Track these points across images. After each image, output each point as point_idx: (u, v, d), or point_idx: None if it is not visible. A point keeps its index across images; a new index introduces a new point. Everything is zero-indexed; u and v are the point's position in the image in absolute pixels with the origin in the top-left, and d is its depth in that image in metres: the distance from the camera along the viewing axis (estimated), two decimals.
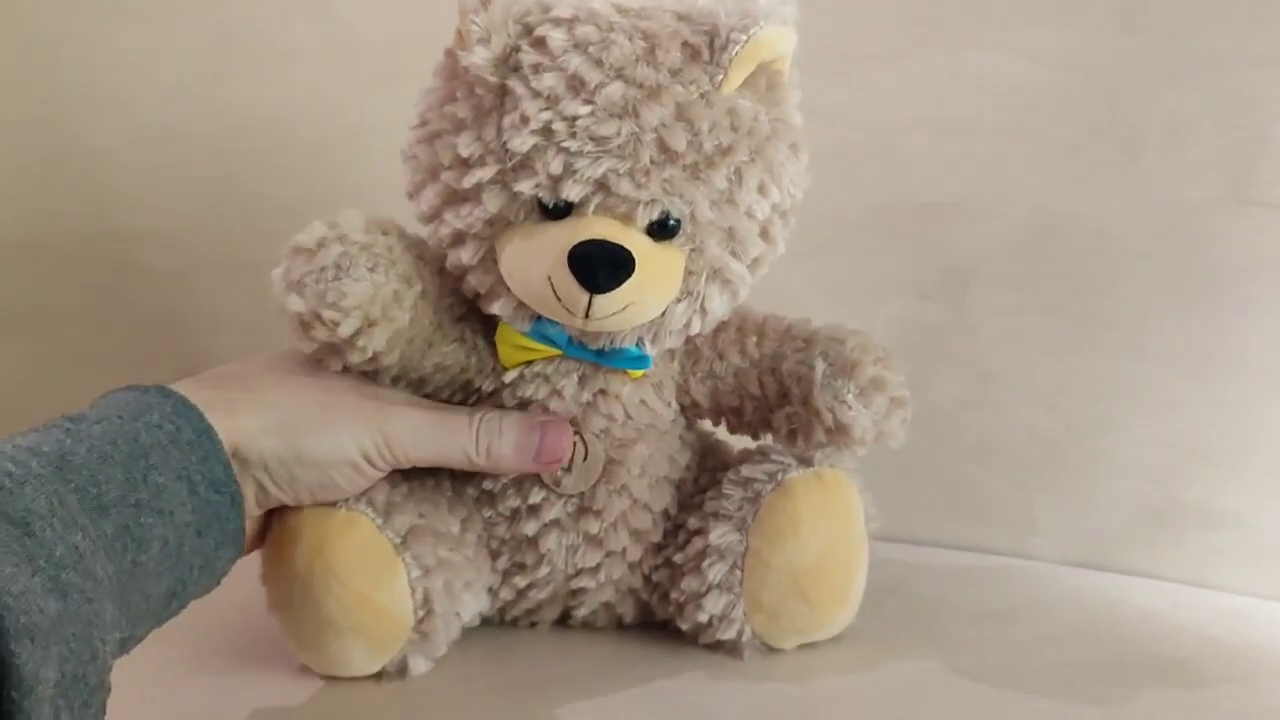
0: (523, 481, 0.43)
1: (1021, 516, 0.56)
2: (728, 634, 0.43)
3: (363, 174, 0.60)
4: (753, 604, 0.43)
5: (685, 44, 0.38)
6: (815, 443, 0.44)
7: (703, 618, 0.43)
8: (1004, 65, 0.52)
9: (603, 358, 0.42)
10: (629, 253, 0.38)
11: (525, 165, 0.38)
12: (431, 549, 0.41)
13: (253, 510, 0.38)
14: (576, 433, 0.43)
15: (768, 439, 0.46)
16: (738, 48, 0.38)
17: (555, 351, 0.42)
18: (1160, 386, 0.52)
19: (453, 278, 0.42)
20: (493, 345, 0.43)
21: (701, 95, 0.38)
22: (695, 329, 0.42)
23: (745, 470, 0.44)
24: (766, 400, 0.45)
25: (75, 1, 0.61)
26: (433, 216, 0.41)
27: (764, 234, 0.41)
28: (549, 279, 0.38)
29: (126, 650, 0.33)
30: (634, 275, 0.38)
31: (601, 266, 0.38)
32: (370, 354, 0.39)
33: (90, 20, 0.61)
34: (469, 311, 0.43)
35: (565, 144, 0.37)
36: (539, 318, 0.41)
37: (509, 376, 0.43)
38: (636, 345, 0.42)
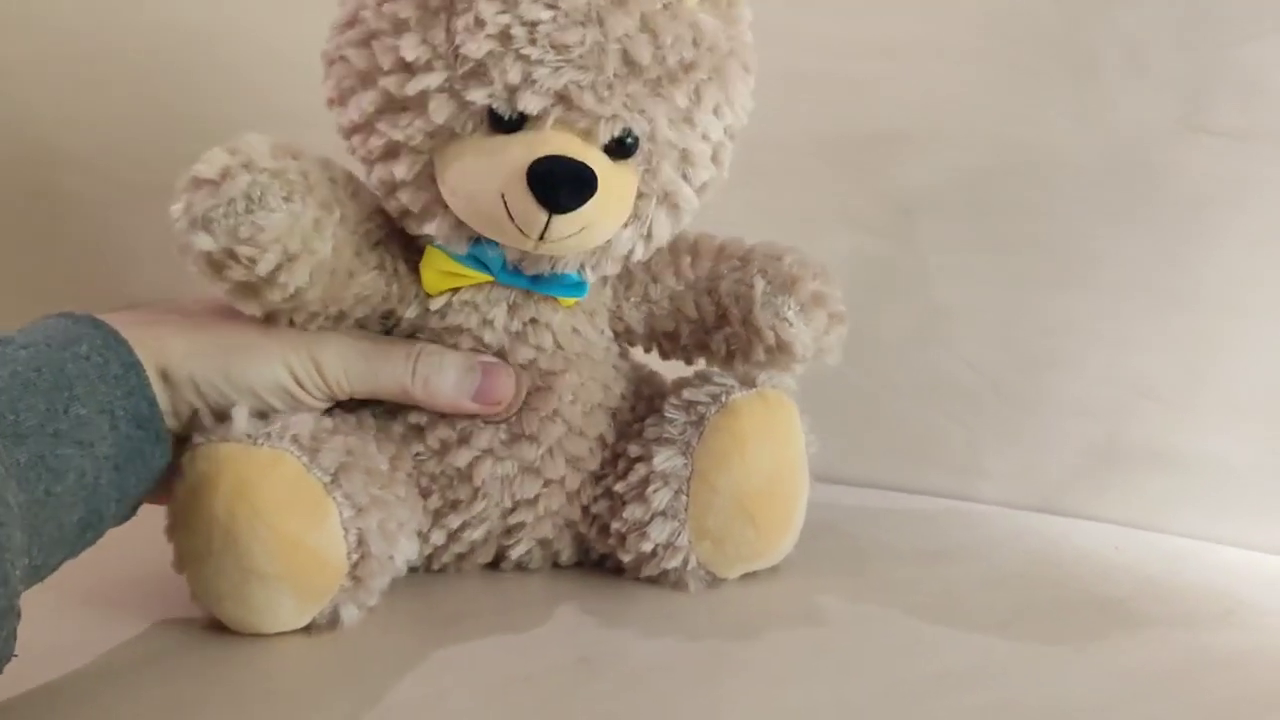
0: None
1: (966, 458, 0.55)
2: (672, 563, 0.42)
3: (286, 97, 0.57)
4: (698, 530, 0.41)
5: None
6: (755, 362, 0.43)
7: (646, 547, 0.42)
8: None
9: (537, 284, 0.40)
10: (592, 171, 0.36)
11: (479, 72, 0.36)
12: (363, 487, 0.38)
13: (183, 430, 0.37)
14: (502, 359, 0.41)
15: (702, 363, 0.45)
16: None
17: (485, 278, 0.40)
18: (1110, 321, 0.51)
19: (368, 200, 0.40)
20: (415, 270, 0.41)
21: (665, 6, 0.37)
22: (638, 255, 0.41)
23: (687, 394, 0.42)
24: (704, 322, 0.44)
25: None
26: (362, 127, 0.38)
27: (714, 157, 0.40)
28: (502, 197, 0.36)
29: (40, 578, 0.32)
30: (596, 195, 0.36)
31: (564, 184, 0.36)
32: (291, 290, 0.36)
33: None
34: (387, 235, 0.40)
35: (524, 51, 0.35)
36: (478, 240, 0.39)
37: (435, 304, 0.41)
38: (577, 272, 0.40)
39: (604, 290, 0.44)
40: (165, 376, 0.36)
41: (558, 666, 0.37)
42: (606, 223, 0.38)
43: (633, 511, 0.42)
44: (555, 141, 0.36)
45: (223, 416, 0.38)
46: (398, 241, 0.41)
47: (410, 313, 0.41)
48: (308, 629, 0.38)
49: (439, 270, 0.40)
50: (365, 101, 0.37)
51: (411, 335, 0.41)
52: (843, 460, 0.55)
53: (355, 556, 0.38)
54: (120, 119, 0.59)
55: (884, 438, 0.56)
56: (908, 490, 0.55)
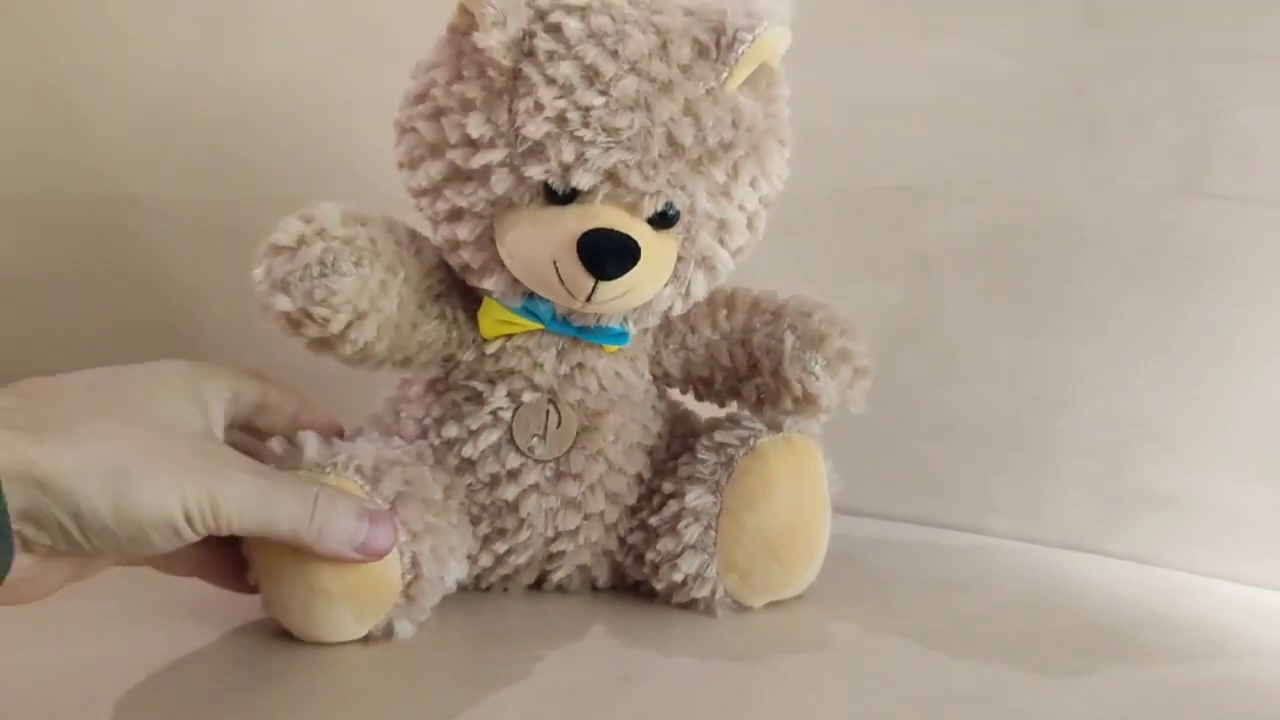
0: (500, 448, 0.44)
1: (978, 493, 0.57)
2: (702, 592, 0.44)
3: (348, 146, 0.62)
4: (726, 563, 0.44)
5: (695, 41, 0.40)
6: (783, 410, 0.46)
7: (678, 577, 0.44)
8: (971, 54, 0.54)
9: (584, 333, 0.44)
10: (636, 243, 0.39)
11: (537, 151, 0.39)
12: (418, 514, 0.42)
13: (25, 561, 0.31)
14: (551, 401, 0.44)
15: (735, 407, 0.48)
16: (744, 47, 0.39)
17: (537, 326, 0.44)
18: (1115, 369, 0.54)
19: (431, 256, 0.43)
20: (473, 318, 0.44)
21: (708, 92, 0.40)
22: (677, 310, 0.44)
23: (719, 436, 0.45)
24: (736, 370, 0.47)
25: None
26: (429, 191, 0.41)
27: (750, 224, 0.43)
28: (554, 263, 0.40)
29: None
30: (639, 264, 0.39)
31: (610, 255, 0.39)
32: (361, 344, 0.41)
33: None
34: (448, 288, 0.44)
35: (579, 133, 0.38)
36: (530, 295, 0.42)
37: (491, 348, 0.44)
38: (620, 324, 0.44)
39: (645, 337, 0.47)
40: (42, 486, 0.30)
41: (600, 681, 0.39)
42: (648, 286, 0.41)
43: (665, 544, 0.44)
44: (604, 215, 0.40)
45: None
46: (458, 292, 0.44)
47: (468, 356, 0.45)
48: (365, 639, 0.42)
49: (495, 318, 0.44)
50: (433, 170, 0.41)
51: (469, 377, 0.45)
52: (862, 494, 0.58)
53: (409, 577, 0.41)
54: (191, 166, 0.64)
55: (901, 473, 0.59)
56: (922, 523, 0.58)
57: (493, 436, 0.44)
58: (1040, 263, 0.55)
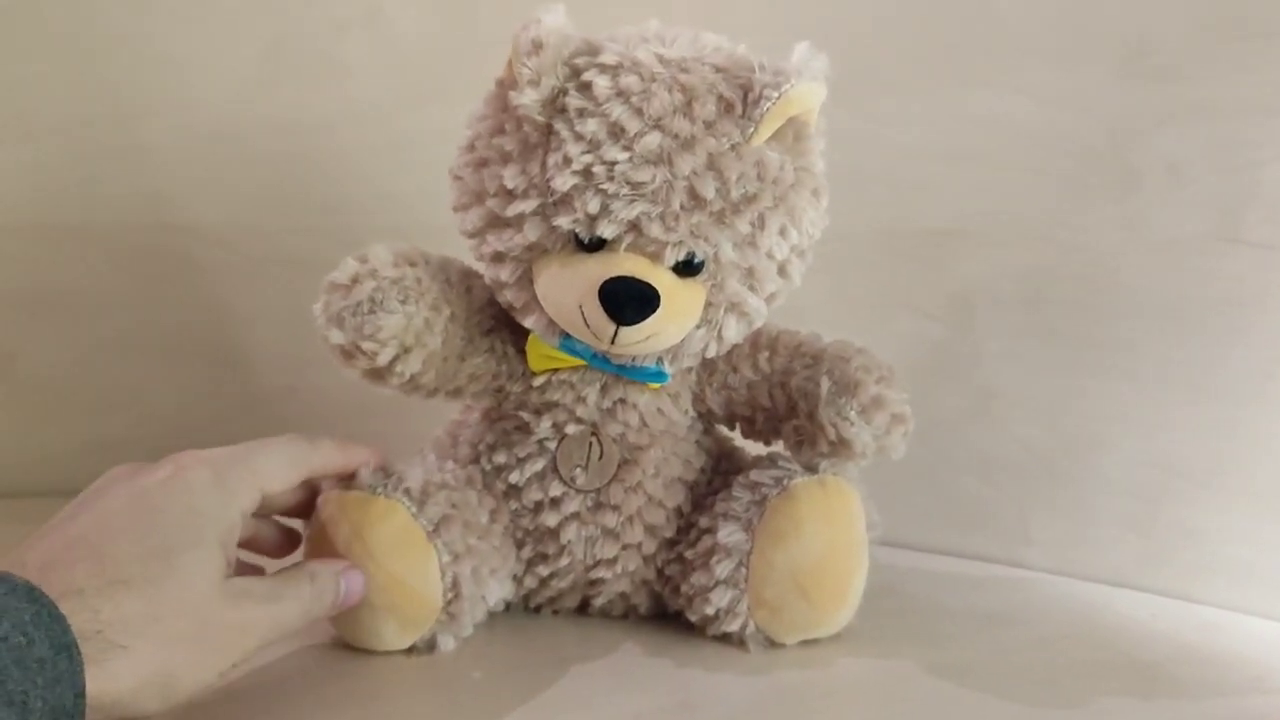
0: (544, 475, 0.46)
1: (1016, 527, 0.59)
2: (732, 627, 0.45)
3: (402, 182, 0.64)
4: (756, 599, 0.45)
5: (720, 98, 0.41)
6: (819, 453, 0.46)
7: (710, 610, 0.45)
8: (1011, 103, 0.56)
9: (623, 371, 0.46)
10: (655, 290, 0.41)
11: (565, 202, 0.41)
12: (461, 537, 0.44)
13: None
14: (594, 434, 0.46)
15: (778, 445, 0.49)
16: (769, 104, 0.40)
17: (580, 362, 0.45)
18: (1150, 409, 0.55)
19: (482, 294, 0.46)
20: (522, 352, 0.46)
21: (732, 147, 0.41)
22: (711, 352, 0.45)
23: (754, 475, 0.46)
24: (776, 411, 0.48)
25: (136, 6, 0.64)
26: (476, 235, 0.44)
27: (781, 271, 0.44)
28: (580, 307, 0.42)
29: None
30: (658, 310, 0.41)
31: (629, 303, 0.41)
32: (408, 377, 0.43)
33: (151, 24, 0.64)
34: (498, 324, 0.47)
35: (603, 186, 0.40)
36: (567, 334, 0.44)
37: (537, 381, 0.46)
38: (656, 364, 0.45)
39: (689, 375, 0.48)
40: (105, 707, 0.33)
41: (661, 709, 0.41)
42: (671, 330, 0.43)
43: (698, 578, 0.46)
44: (626, 263, 0.41)
45: None
46: (508, 328, 0.47)
47: (516, 388, 0.47)
48: (412, 650, 0.44)
49: (541, 353, 0.46)
50: (476, 216, 0.43)
51: (518, 407, 0.47)
52: (903, 526, 0.59)
53: (450, 595, 0.44)
54: (249, 196, 0.65)
55: (940, 507, 0.60)
56: (961, 555, 0.59)
57: (538, 465, 0.46)
58: (1078, 305, 0.56)
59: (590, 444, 0.46)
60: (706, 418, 0.49)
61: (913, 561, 0.58)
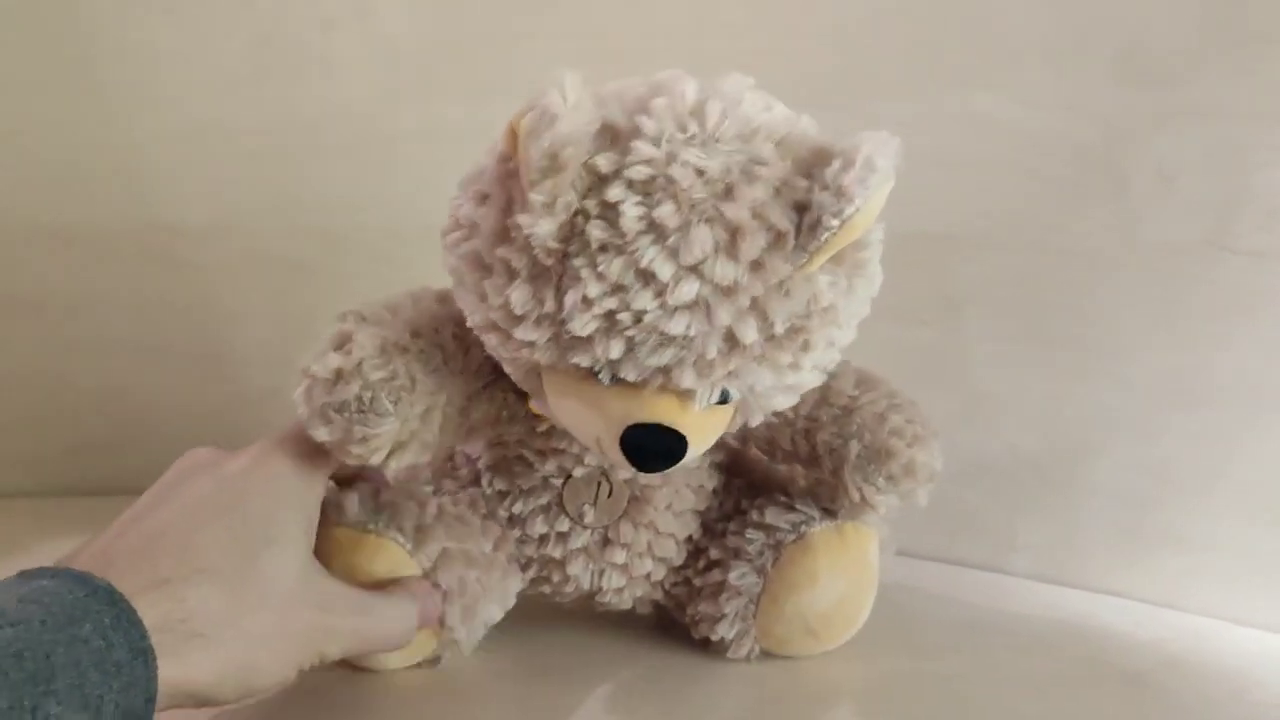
0: (550, 509, 0.44)
1: (1003, 533, 0.59)
2: (738, 654, 0.45)
3: (390, 181, 0.63)
4: (763, 633, 0.45)
5: (771, 229, 0.34)
6: (839, 507, 0.44)
7: (715, 637, 0.45)
8: (1004, 107, 0.55)
9: None
10: (684, 441, 0.36)
11: (584, 343, 0.35)
12: (457, 575, 0.42)
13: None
14: (603, 472, 0.44)
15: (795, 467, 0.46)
16: (829, 234, 0.33)
17: None
18: (1139, 416, 0.55)
19: (479, 353, 0.41)
20: (523, 396, 0.42)
21: (780, 284, 0.34)
22: (732, 430, 0.41)
23: (770, 517, 0.44)
24: (797, 456, 0.45)
25: (121, 1, 0.63)
26: (475, 328, 0.38)
27: (825, 369, 0.39)
28: (598, 440, 0.37)
29: None
30: (686, 454, 0.37)
31: (655, 457, 0.36)
32: (405, 466, 0.39)
33: (135, 19, 0.63)
34: (499, 375, 0.41)
35: (628, 332, 0.34)
36: None
37: (541, 427, 0.43)
38: None
39: None
40: (186, 695, 0.33)
41: (656, 712, 0.41)
42: (694, 456, 0.38)
43: (705, 607, 0.45)
44: (651, 405, 0.36)
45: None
46: (507, 379, 0.41)
47: (518, 430, 0.44)
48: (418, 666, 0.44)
49: None
50: (478, 316, 0.37)
51: (519, 453, 0.44)
52: (891, 532, 0.60)
53: (447, 630, 0.42)
54: (235, 194, 0.64)
55: (927, 511, 0.58)
56: (947, 561, 0.59)
57: (542, 499, 0.44)
58: (1069, 310, 0.56)
59: (599, 483, 0.44)
60: (720, 446, 0.45)
61: (897, 568, 0.57)
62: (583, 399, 0.37)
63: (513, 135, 0.33)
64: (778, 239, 0.34)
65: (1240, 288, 0.52)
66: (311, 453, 0.39)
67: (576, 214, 0.34)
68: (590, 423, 0.37)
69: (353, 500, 0.42)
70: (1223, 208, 0.52)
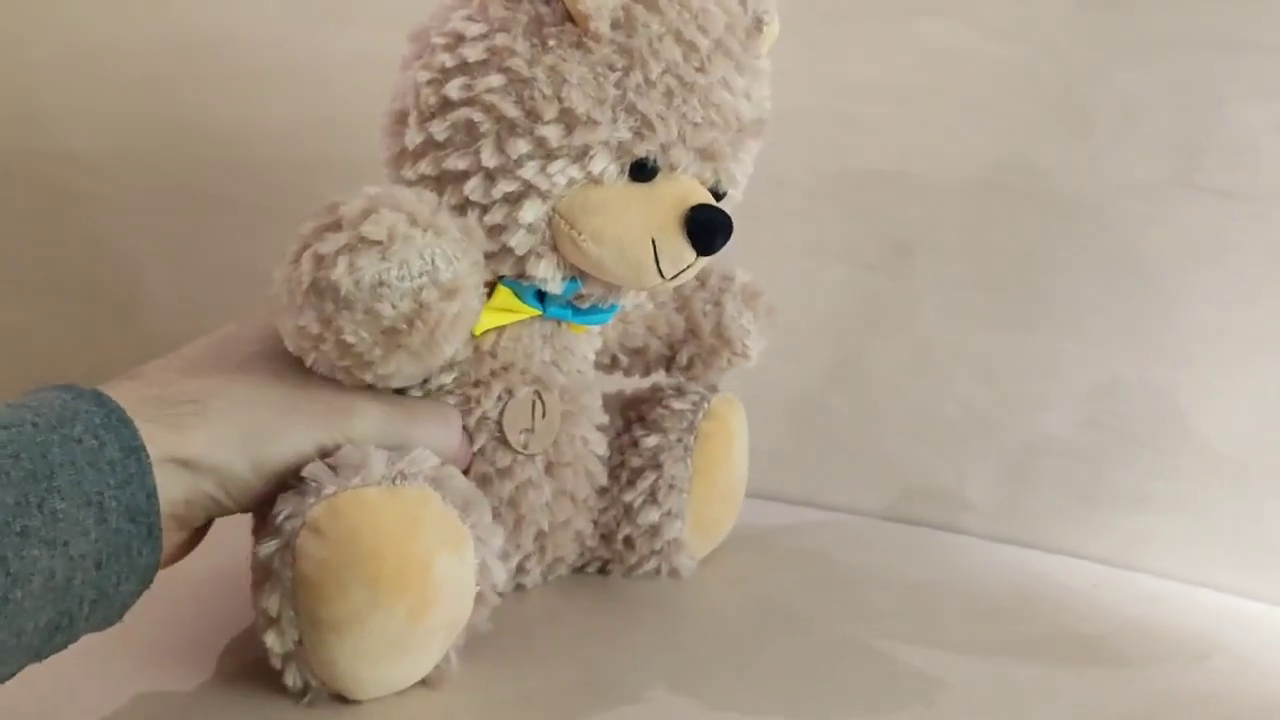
0: (486, 447, 0.40)
1: (953, 490, 0.56)
2: (676, 559, 0.46)
3: (306, 111, 0.59)
4: (696, 522, 0.46)
5: (741, 19, 0.39)
6: (717, 369, 0.49)
7: (657, 545, 0.46)
8: (959, 35, 0.52)
9: (578, 315, 0.41)
10: (730, 219, 0.39)
11: (646, 128, 0.37)
12: (484, 517, 0.37)
13: (195, 521, 0.34)
14: (536, 392, 0.41)
15: (659, 375, 0.50)
16: (767, 28, 0.40)
17: (535, 312, 0.40)
18: (1096, 367, 0.52)
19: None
20: None
21: (753, 66, 0.40)
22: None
23: (675, 404, 0.47)
24: (673, 336, 0.49)
25: None
26: (489, 173, 0.37)
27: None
28: (653, 240, 0.38)
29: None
30: None
31: (721, 231, 0.38)
32: (450, 353, 0.36)
33: None
34: None
35: (683, 110, 0.37)
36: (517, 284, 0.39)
37: (485, 343, 0.40)
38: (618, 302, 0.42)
39: None
40: (187, 465, 0.33)
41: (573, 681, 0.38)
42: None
43: (647, 515, 0.45)
44: (697, 191, 0.38)
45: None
46: None
47: (462, 352, 0.40)
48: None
49: (495, 307, 0.39)
50: (511, 148, 0.36)
51: (458, 383, 0.40)
52: (833, 488, 0.57)
53: (479, 585, 0.37)
54: (132, 121, 0.60)
55: (873, 467, 0.57)
56: (894, 519, 0.56)
57: (480, 439, 0.40)
58: (1023, 254, 0.53)
59: (534, 404, 0.41)
60: (601, 355, 0.47)
61: (842, 525, 0.55)
62: (630, 202, 0.38)
63: None
64: (748, 29, 0.39)
65: (1203, 229, 0.50)
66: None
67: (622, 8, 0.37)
68: (644, 222, 0.38)
69: (378, 457, 0.35)
70: (1189, 144, 0.50)
